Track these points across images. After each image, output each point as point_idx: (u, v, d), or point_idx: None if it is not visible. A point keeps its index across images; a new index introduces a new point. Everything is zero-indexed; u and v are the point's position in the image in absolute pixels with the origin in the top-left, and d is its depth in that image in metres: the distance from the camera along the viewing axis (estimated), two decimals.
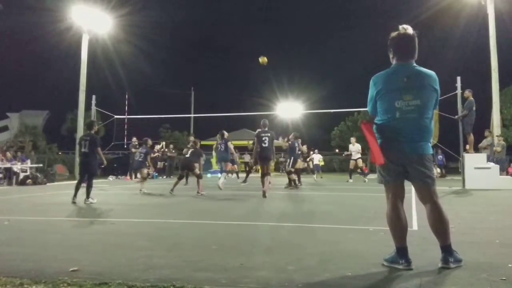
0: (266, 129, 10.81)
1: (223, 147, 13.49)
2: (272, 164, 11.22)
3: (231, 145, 14.27)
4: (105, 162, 9.96)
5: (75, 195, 9.30)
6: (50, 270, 3.48)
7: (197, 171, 11.64)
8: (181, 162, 12.08)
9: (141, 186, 12.44)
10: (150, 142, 14.09)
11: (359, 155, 18.50)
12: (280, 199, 10.48)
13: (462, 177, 13.21)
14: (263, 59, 11.49)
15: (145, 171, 13.14)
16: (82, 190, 9.37)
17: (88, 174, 9.71)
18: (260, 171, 11.18)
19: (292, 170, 14.10)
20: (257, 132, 10.97)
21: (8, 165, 18.25)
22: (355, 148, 18.41)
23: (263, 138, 10.67)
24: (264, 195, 10.18)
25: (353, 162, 18.51)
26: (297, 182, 14.31)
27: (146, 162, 13.30)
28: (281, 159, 35.46)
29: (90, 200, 9.24)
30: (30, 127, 35.65)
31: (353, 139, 18.85)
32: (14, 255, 4.06)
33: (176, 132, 40.60)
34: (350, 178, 18.44)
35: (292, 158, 14.16)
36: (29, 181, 17.70)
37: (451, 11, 21.10)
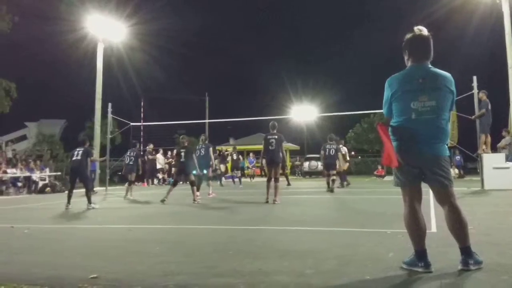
0: (275, 131, 10.47)
1: (203, 152, 12.68)
2: (280, 168, 10.68)
3: (211, 151, 13.21)
4: (98, 159, 10.42)
5: (68, 202, 9.88)
6: (70, 277, 3.52)
7: (191, 177, 11.13)
8: (178, 166, 11.55)
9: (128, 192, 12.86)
10: (151, 147, 14.00)
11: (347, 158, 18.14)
12: (296, 203, 10.46)
13: (481, 177, 13.03)
14: None
15: (133, 175, 13.27)
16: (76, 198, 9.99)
17: (80, 179, 10.18)
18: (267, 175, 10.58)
19: (326, 172, 14.03)
20: (265, 135, 10.63)
21: (27, 173, 18.54)
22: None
23: (270, 141, 10.29)
24: (267, 201, 9.88)
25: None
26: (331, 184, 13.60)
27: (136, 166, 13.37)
28: (297, 162, 35.51)
29: (92, 205, 9.70)
30: (48, 136, 36.17)
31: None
32: (34, 263, 4.12)
33: (191, 138, 40.86)
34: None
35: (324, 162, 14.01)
36: (48, 189, 18.00)
37: (464, 10, 20.88)
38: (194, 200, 10.55)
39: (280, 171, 11.00)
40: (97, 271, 3.60)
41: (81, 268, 3.84)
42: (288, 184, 17.46)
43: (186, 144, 11.51)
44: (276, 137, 10.32)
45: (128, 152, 13.68)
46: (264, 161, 10.66)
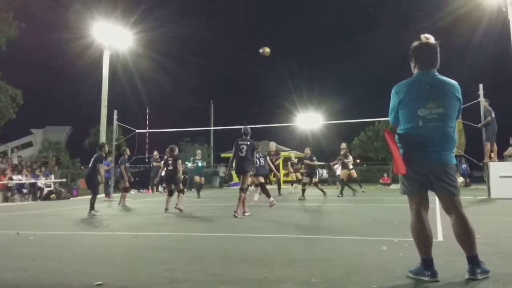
0: (248, 137, 9.42)
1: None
2: (248, 177, 9.49)
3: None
4: (102, 180, 10.54)
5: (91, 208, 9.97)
6: (75, 284, 3.52)
7: (181, 186, 10.78)
8: (165, 175, 11.05)
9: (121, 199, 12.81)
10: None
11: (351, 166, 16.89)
12: (301, 211, 10.42)
13: (487, 186, 12.96)
14: (265, 50, 10.79)
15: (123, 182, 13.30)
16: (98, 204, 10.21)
17: (87, 186, 10.42)
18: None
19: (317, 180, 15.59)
20: (236, 141, 9.44)
21: (33, 180, 18.60)
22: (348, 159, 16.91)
23: (241, 146, 9.23)
24: (235, 214, 8.69)
25: (345, 172, 16.81)
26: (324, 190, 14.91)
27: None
28: (301, 170, 35.37)
29: (93, 212, 9.83)
30: (53, 142, 36.35)
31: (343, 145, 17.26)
32: (40, 270, 4.12)
33: (196, 145, 40.95)
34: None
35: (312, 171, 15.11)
36: (53, 196, 18.05)
37: (471, 19, 20.93)
38: (177, 206, 10.15)
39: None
40: (103, 278, 3.59)
41: (87, 275, 3.84)
42: (280, 194, 16.41)
43: (175, 154, 11.04)
44: (248, 143, 9.31)
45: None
46: (233, 168, 9.56)
